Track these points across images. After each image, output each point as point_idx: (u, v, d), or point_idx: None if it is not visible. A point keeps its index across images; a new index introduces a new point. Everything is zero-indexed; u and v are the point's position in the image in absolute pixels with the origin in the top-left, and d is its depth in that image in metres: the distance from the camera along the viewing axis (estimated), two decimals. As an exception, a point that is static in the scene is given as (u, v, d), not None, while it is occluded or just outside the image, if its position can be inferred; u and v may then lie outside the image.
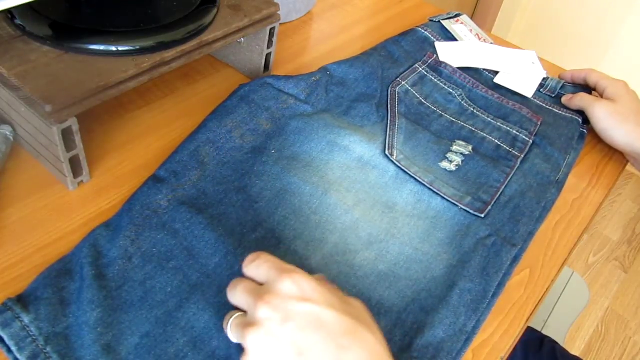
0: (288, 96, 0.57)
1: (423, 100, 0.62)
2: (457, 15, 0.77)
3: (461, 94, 0.64)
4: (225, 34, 0.53)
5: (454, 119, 0.61)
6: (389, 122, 0.58)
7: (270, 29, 0.58)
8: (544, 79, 0.69)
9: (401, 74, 0.65)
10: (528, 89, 0.67)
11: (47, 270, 0.40)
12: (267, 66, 0.62)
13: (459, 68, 0.67)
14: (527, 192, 0.54)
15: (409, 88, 0.63)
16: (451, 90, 0.64)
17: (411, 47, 0.70)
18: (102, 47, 0.46)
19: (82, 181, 0.48)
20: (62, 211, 0.46)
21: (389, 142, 0.56)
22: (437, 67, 0.67)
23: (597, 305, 1.47)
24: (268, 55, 0.61)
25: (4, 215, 0.45)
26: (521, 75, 0.69)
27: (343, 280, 0.44)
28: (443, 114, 0.62)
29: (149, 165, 0.51)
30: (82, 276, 0.40)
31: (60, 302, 0.39)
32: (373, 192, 0.51)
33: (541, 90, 0.68)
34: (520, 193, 0.54)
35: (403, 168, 0.54)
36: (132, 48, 0.47)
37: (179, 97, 0.59)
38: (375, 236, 0.48)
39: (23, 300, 0.38)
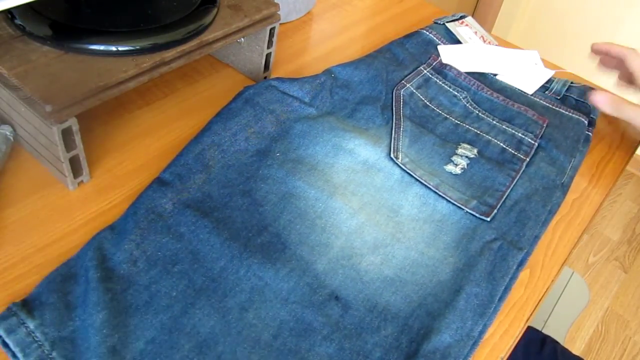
0: (292, 99, 0.57)
1: (428, 103, 0.62)
2: (461, 17, 0.76)
3: (466, 97, 0.64)
4: (225, 34, 0.53)
5: (458, 122, 0.61)
6: (393, 125, 0.58)
7: (270, 29, 0.58)
8: (548, 80, 0.69)
9: (406, 76, 0.65)
10: (530, 86, 0.67)
11: (51, 274, 0.40)
12: (267, 66, 0.62)
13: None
14: (532, 196, 0.54)
15: (414, 90, 0.63)
16: (456, 93, 0.64)
17: (416, 49, 0.69)
18: (102, 47, 0.46)
19: (82, 181, 0.48)
20: (62, 211, 0.46)
21: (394, 145, 0.56)
22: (442, 69, 0.67)
23: (597, 305, 1.47)
24: (268, 55, 0.61)
25: (4, 215, 0.45)
26: (525, 75, 0.69)
27: (349, 285, 0.44)
28: (448, 116, 0.61)
29: (149, 165, 0.51)
30: (87, 279, 0.40)
31: (65, 306, 0.38)
32: (378, 195, 0.51)
33: (546, 92, 0.68)
34: (526, 197, 0.54)
35: (408, 171, 0.53)
36: (132, 48, 0.47)
37: (179, 97, 0.59)
38: (380, 240, 0.47)
39: (28, 305, 0.38)
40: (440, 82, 0.65)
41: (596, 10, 1.65)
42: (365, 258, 0.46)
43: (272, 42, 0.60)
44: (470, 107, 0.63)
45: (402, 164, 0.54)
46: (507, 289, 0.46)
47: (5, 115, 0.48)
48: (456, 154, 0.57)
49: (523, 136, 0.60)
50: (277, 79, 0.58)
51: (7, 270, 0.41)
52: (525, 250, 0.49)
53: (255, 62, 0.61)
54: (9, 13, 0.48)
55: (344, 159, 0.53)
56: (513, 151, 0.58)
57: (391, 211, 0.50)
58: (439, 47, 0.70)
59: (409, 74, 0.65)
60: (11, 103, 0.45)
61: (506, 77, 0.68)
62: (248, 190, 0.48)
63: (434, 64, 0.67)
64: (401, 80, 0.64)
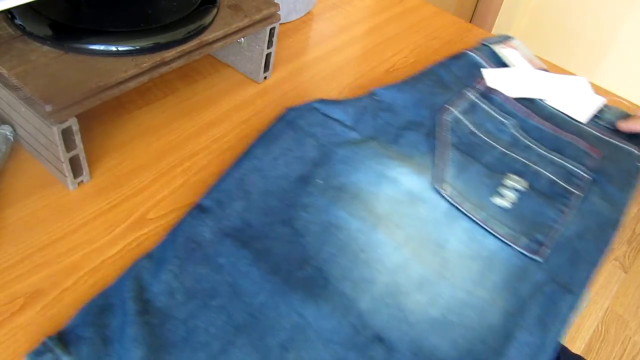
0: (335, 122, 0.56)
1: (474, 130, 0.59)
2: (507, 39, 0.74)
3: (514, 124, 0.61)
4: (225, 34, 0.53)
5: (506, 151, 0.58)
6: (438, 153, 0.56)
7: (270, 29, 0.58)
8: (600, 110, 0.66)
9: (451, 100, 0.62)
10: (582, 114, 0.64)
11: (88, 305, 0.39)
12: (267, 66, 0.62)
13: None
14: (585, 234, 0.51)
15: (460, 116, 0.60)
16: (503, 120, 0.61)
17: (461, 71, 0.67)
18: (102, 47, 0.46)
19: (82, 181, 0.48)
20: (62, 211, 0.46)
21: (438, 175, 0.53)
22: (488, 93, 0.64)
23: (597, 305, 1.47)
24: (268, 55, 0.61)
25: (4, 215, 0.45)
26: (576, 102, 0.66)
27: (394, 326, 0.42)
28: (495, 144, 0.58)
29: (149, 165, 0.51)
30: (124, 312, 0.38)
31: (102, 340, 0.37)
32: (423, 228, 0.49)
33: (598, 121, 0.65)
34: (578, 235, 0.51)
35: (454, 204, 0.51)
36: (132, 48, 0.47)
37: (179, 97, 0.59)
38: (426, 277, 0.45)
39: (63, 339, 0.37)
40: (487, 108, 0.62)
41: (596, 10, 1.65)
42: (411, 297, 0.44)
43: (272, 42, 0.60)
44: (518, 135, 0.60)
45: (448, 196, 0.51)
46: (558, 335, 0.44)
47: (5, 115, 0.48)
48: (503, 185, 0.54)
49: (574, 168, 0.57)
50: (320, 100, 0.57)
51: (7, 270, 0.41)
52: (577, 294, 0.47)
53: (255, 62, 0.61)
54: (9, 13, 0.48)
55: (388, 188, 0.51)
56: (564, 184, 0.55)
57: (437, 246, 0.48)
58: (483, 70, 0.68)
59: (455, 98, 0.63)
60: (11, 103, 0.45)
61: (556, 103, 0.65)
62: (289, 219, 0.47)
63: (480, 88, 0.64)
64: (446, 105, 0.61)
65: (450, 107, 0.61)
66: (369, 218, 0.48)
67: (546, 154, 0.59)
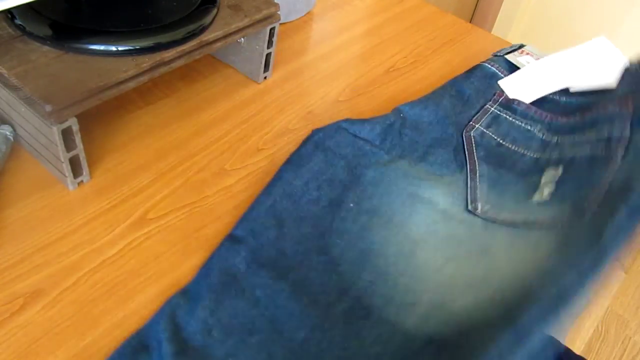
0: (363, 142, 0.55)
1: (501, 141, 0.58)
2: (520, 47, 0.73)
3: (540, 129, 0.59)
4: (225, 34, 0.53)
5: (537, 156, 0.56)
6: (468, 172, 0.54)
7: (270, 29, 0.58)
8: (626, 68, 0.62)
9: (473, 116, 0.61)
10: (609, 78, 0.61)
11: (122, 347, 0.37)
12: (267, 66, 0.62)
13: (532, 103, 0.63)
14: (635, 174, 0.47)
15: (484, 130, 0.59)
16: (529, 127, 0.60)
17: (480, 84, 0.66)
18: (102, 47, 0.46)
19: (82, 181, 0.48)
20: (62, 211, 0.46)
21: (471, 195, 0.52)
22: (510, 104, 0.63)
23: (597, 305, 1.47)
24: (268, 55, 0.61)
25: (4, 215, 0.45)
26: (598, 69, 0.63)
27: (441, 322, 0.41)
28: (525, 152, 0.57)
29: (149, 165, 0.51)
30: (160, 354, 0.37)
31: None
32: (463, 246, 0.48)
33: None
34: (626, 180, 0.47)
35: (491, 218, 0.50)
36: (132, 48, 0.47)
37: (179, 97, 0.59)
38: (472, 285, 0.44)
39: None
40: (511, 118, 0.61)
41: (596, 10, 1.65)
42: (458, 302, 0.43)
43: (272, 42, 0.60)
44: (546, 138, 0.58)
45: (483, 213, 0.50)
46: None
47: (5, 115, 0.48)
48: (541, 184, 0.52)
49: (610, 135, 0.54)
50: (347, 120, 0.56)
51: (7, 270, 0.41)
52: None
53: (255, 62, 0.61)
54: (9, 13, 0.48)
55: (422, 210, 0.50)
56: (603, 153, 0.53)
57: (480, 254, 0.47)
58: (500, 82, 0.66)
59: (476, 113, 0.62)
60: (11, 103, 0.45)
61: (581, 84, 0.62)
62: (323, 247, 0.45)
63: (500, 100, 0.63)
64: (469, 122, 0.60)
65: (474, 123, 0.60)
66: (406, 243, 0.47)
67: (579, 139, 0.56)
